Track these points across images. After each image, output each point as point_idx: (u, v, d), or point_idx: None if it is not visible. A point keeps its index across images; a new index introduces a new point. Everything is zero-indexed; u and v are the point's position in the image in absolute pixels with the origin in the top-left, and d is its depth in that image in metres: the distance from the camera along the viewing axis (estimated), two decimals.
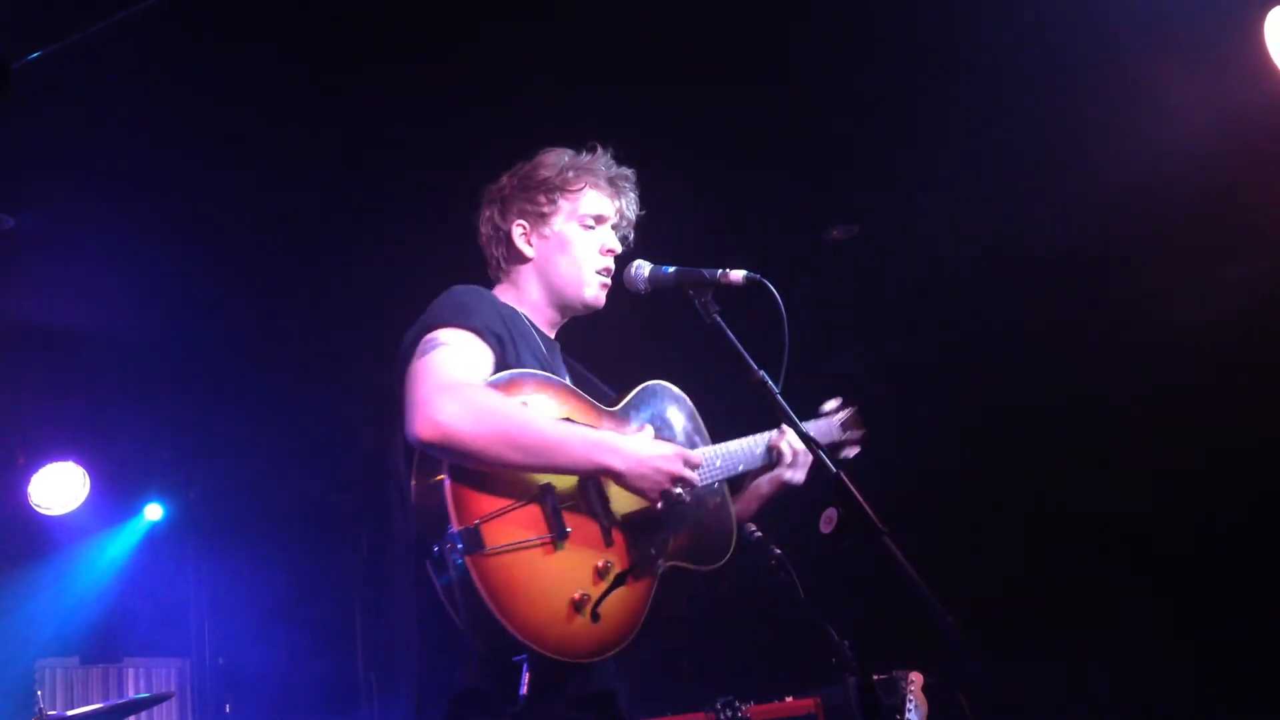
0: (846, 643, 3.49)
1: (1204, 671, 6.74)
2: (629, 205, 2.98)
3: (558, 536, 2.44)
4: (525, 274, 2.90)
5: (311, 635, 7.47)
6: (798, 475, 3.05)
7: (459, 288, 2.74)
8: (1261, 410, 6.55)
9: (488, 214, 2.94)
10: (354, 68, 4.64)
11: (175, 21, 4.13)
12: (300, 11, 4.33)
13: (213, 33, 4.31)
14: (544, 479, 2.48)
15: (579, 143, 3.00)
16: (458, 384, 2.43)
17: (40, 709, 4.97)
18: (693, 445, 2.87)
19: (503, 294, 2.89)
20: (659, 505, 2.62)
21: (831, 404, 3.48)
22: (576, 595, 2.43)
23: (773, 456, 3.05)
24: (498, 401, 2.44)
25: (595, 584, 2.48)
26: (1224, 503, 6.77)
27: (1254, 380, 6.58)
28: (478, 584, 2.30)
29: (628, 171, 2.99)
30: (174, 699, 7.47)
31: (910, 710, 4.72)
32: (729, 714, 4.85)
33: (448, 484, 2.37)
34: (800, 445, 2.99)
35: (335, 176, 5.33)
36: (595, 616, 2.45)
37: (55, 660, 7.21)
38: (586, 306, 2.91)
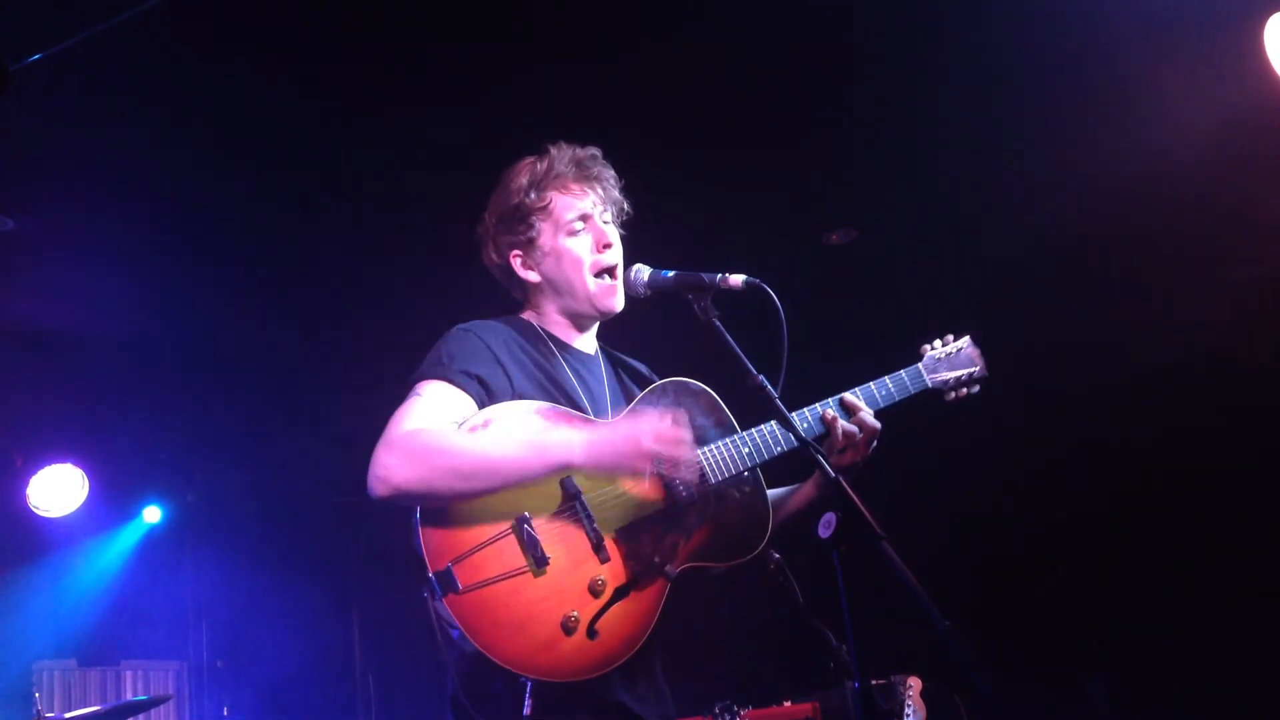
0: (845, 647, 3.47)
1: (1200, 681, 6.73)
2: (606, 186, 2.92)
3: (536, 565, 2.45)
4: (539, 294, 2.91)
5: (309, 637, 7.45)
6: (844, 458, 2.77)
7: (452, 331, 2.75)
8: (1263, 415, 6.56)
9: (485, 253, 2.96)
10: (354, 68, 4.64)
11: (172, 25, 4.14)
12: (298, 14, 4.34)
13: (211, 35, 4.32)
14: (517, 509, 2.48)
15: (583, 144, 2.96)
16: (401, 435, 2.47)
17: (38, 711, 4.97)
18: (706, 440, 2.73)
19: (528, 316, 2.92)
20: (664, 504, 2.55)
21: (936, 345, 3.15)
22: (564, 617, 2.44)
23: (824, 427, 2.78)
24: (436, 439, 2.46)
25: (588, 602, 2.48)
26: (1226, 509, 6.77)
27: (1256, 383, 6.58)
28: (458, 623, 2.37)
29: (591, 152, 2.92)
30: (172, 701, 7.45)
31: (909, 714, 4.72)
32: (727, 718, 4.85)
33: (418, 528, 2.44)
34: (852, 427, 2.77)
35: (336, 177, 5.33)
36: (592, 633, 2.46)
37: (53, 662, 7.19)
38: (597, 309, 2.88)
